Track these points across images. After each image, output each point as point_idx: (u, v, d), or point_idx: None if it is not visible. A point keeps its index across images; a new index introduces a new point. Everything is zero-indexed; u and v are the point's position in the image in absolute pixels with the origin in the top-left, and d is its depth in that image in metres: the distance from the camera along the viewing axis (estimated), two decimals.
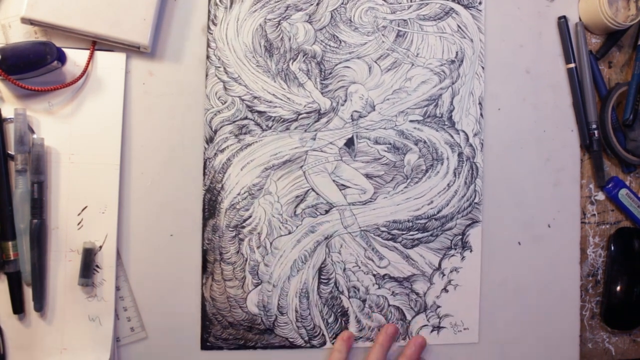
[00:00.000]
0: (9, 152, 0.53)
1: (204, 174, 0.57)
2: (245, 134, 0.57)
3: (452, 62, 0.61)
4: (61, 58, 0.53)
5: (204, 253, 0.57)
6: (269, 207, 0.58)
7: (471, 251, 0.61)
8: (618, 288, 0.62)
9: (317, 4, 0.59)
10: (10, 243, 0.52)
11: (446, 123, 0.61)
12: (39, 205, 0.52)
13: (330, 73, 0.59)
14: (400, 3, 0.60)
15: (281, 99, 0.58)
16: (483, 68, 0.61)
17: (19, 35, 0.55)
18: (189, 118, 0.57)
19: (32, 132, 0.54)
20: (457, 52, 0.61)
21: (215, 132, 0.57)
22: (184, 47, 0.57)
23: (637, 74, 0.62)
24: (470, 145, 0.61)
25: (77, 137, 0.54)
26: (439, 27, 0.61)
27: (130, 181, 0.56)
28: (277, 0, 0.58)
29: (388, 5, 0.60)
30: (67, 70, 0.55)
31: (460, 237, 0.61)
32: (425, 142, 0.60)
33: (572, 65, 0.63)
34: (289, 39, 0.58)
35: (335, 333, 0.58)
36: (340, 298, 0.59)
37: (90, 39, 0.55)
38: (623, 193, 0.63)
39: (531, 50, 0.63)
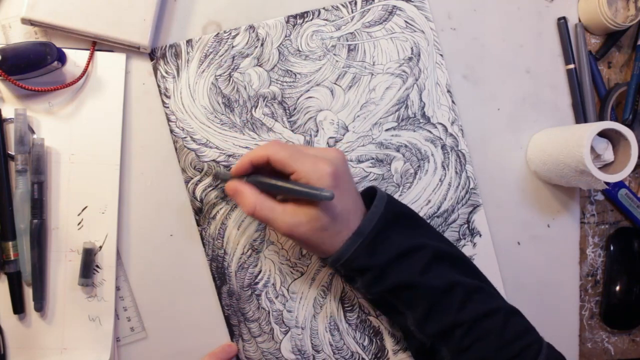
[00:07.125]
0: (9, 152, 0.53)
1: (203, 244, 0.57)
2: None
3: (410, 59, 0.60)
4: (61, 58, 0.53)
5: (227, 319, 0.57)
6: (275, 256, 0.57)
7: (480, 235, 0.60)
8: (617, 288, 0.63)
9: (262, 45, 0.58)
10: (10, 243, 0.52)
11: (421, 121, 0.60)
12: (39, 205, 0.52)
13: (295, 108, 0.58)
14: (342, 17, 0.59)
15: None
16: (442, 56, 0.60)
17: (19, 35, 0.55)
18: None
19: (33, 132, 0.54)
20: (412, 48, 0.60)
21: (202, 201, 0.57)
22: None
23: (637, 74, 0.62)
24: (451, 134, 0.60)
25: (77, 137, 0.55)
26: (387, 28, 0.60)
27: (130, 181, 0.56)
28: (221, 54, 0.57)
29: (331, 24, 0.59)
30: (67, 71, 0.55)
31: (466, 225, 0.60)
32: (406, 146, 0.59)
33: (572, 66, 0.63)
34: (245, 88, 0.57)
35: (374, 354, 0.58)
36: (368, 320, 0.58)
37: (90, 39, 0.55)
38: (622, 193, 0.63)
39: (531, 50, 0.63)
